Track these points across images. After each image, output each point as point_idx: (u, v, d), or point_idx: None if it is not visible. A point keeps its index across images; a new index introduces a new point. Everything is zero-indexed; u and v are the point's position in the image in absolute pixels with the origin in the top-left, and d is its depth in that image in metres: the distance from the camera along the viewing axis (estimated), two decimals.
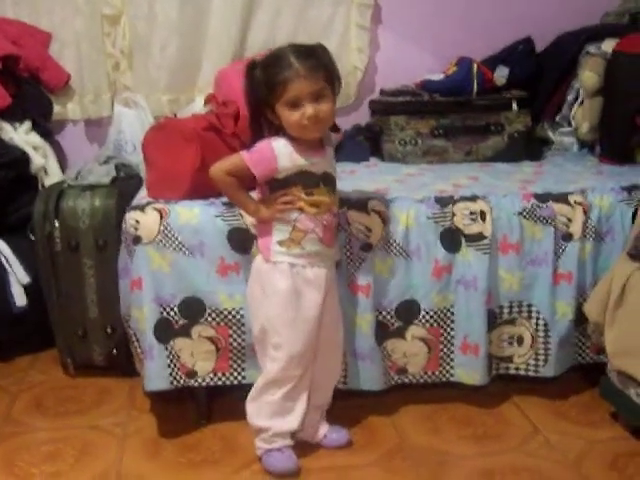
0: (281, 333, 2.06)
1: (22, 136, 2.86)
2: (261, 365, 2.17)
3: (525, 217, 2.33)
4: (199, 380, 2.29)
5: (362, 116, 3.24)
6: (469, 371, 2.36)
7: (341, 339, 2.20)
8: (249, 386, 2.17)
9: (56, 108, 3.12)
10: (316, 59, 1.94)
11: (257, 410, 2.13)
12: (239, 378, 2.30)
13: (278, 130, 2.01)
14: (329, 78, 1.96)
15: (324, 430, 2.24)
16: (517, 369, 2.41)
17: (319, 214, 2.03)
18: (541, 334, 2.36)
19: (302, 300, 2.05)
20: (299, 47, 1.96)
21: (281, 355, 2.06)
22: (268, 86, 1.93)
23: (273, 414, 2.11)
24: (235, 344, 2.28)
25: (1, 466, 2.20)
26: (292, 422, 2.13)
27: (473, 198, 2.35)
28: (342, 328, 2.20)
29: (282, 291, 2.04)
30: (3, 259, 2.71)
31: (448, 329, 2.35)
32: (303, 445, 2.20)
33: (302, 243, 2.03)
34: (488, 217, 2.30)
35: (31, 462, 2.21)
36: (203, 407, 2.40)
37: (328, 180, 2.05)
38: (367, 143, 3.04)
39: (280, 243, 2.04)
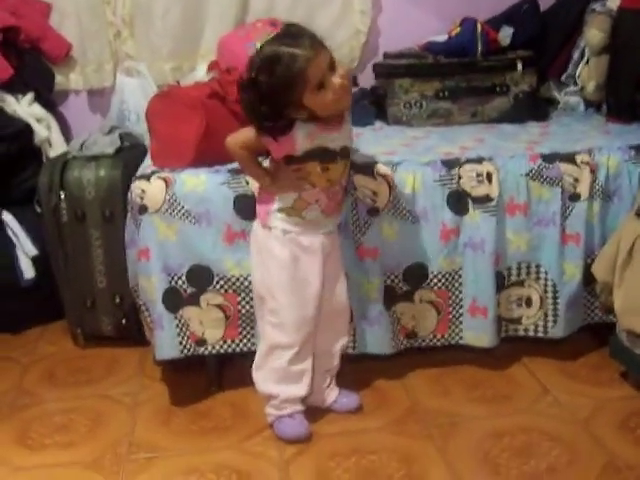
0: (278, 299, 2.06)
1: (25, 108, 2.85)
2: (259, 330, 2.18)
3: (532, 178, 2.31)
4: (209, 348, 2.30)
5: (366, 79, 3.19)
6: (478, 333, 2.36)
7: (346, 303, 2.20)
8: None
9: (58, 79, 3.10)
10: (305, 36, 1.87)
11: (263, 377, 2.14)
12: (249, 345, 2.31)
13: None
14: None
15: (334, 395, 2.25)
16: (526, 330, 2.41)
17: (330, 186, 2.03)
18: (550, 295, 2.36)
19: (299, 266, 2.05)
20: (283, 38, 1.87)
21: (278, 320, 2.07)
22: (285, 86, 1.84)
23: (280, 380, 2.11)
24: (244, 311, 2.28)
25: (15, 438, 2.22)
26: (300, 388, 2.13)
27: (479, 160, 2.33)
28: (347, 292, 2.19)
29: (279, 257, 2.04)
30: (10, 232, 2.72)
31: (457, 292, 2.35)
32: (314, 410, 2.21)
33: (303, 212, 2.03)
34: (495, 179, 2.29)
35: (44, 433, 2.24)
36: (213, 374, 2.41)
37: (344, 154, 2.03)
38: (372, 107, 3.01)
39: (280, 210, 2.03)
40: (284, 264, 2.04)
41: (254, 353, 2.21)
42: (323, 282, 2.08)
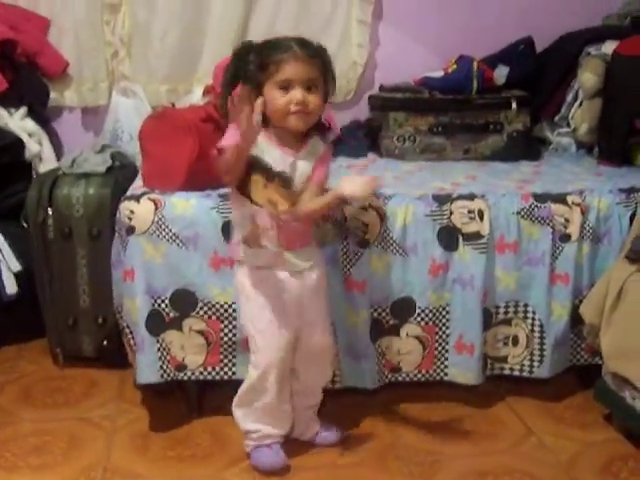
0: (256, 339, 2.03)
1: (17, 122, 2.83)
2: None
3: (523, 217, 2.31)
4: (188, 374, 2.27)
5: (361, 111, 3.22)
6: (463, 370, 2.34)
7: (330, 343, 2.15)
8: (240, 381, 2.13)
9: (53, 95, 3.09)
10: (315, 50, 1.92)
11: (243, 416, 2.11)
12: (229, 373, 2.28)
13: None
14: (324, 73, 1.93)
15: (316, 428, 2.22)
16: (512, 369, 2.40)
17: (274, 212, 1.89)
18: (537, 335, 2.35)
19: (272, 305, 2.00)
20: (301, 38, 1.93)
21: (256, 361, 2.04)
22: (261, 66, 1.88)
23: (259, 419, 2.09)
24: (226, 339, 2.25)
25: None
26: (280, 428, 2.11)
27: (471, 197, 2.33)
28: (331, 332, 2.15)
29: (251, 295, 2.00)
30: None
31: (443, 328, 2.33)
32: (294, 442, 2.18)
33: (262, 240, 1.97)
34: (486, 216, 2.28)
35: (17, 454, 2.19)
36: (193, 401, 2.38)
37: (284, 180, 1.88)
38: (365, 139, 3.02)
39: (244, 241, 1.99)
40: (258, 302, 1.99)
41: (235, 381, 2.18)
42: (304, 321, 2.05)
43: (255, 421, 2.09)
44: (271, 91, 1.89)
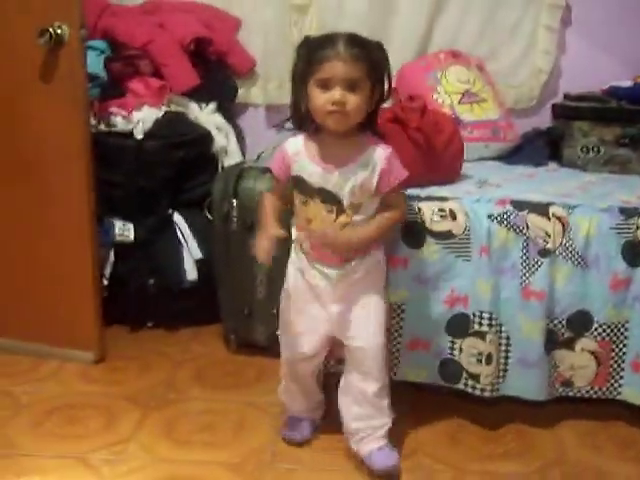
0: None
1: (207, 116, 2.94)
2: None
3: None
4: None
5: (543, 119, 3.16)
6: (638, 390, 2.25)
7: (368, 348, 2.04)
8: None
9: (240, 92, 3.21)
10: (364, 50, 1.84)
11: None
12: None
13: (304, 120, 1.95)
14: (371, 75, 1.85)
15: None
16: None
17: (308, 228, 1.98)
18: None
19: (299, 302, 2.06)
20: (353, 35, 1.86)
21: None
22: (308, 62, 1.85)
23: None
24: None
25: (163, 429, 2.29)
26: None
27: None
28: (376, 336, 2.04)
29: (286, 287, 2.08)
30: (179, 234, 2.82)
31: (620, 345, 2.25)
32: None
33: (303, 246, 2.03)
34: None
35: (190, 430, 2.29)
36: None
37: (325, 197, 1.93)
38: (546, 147, 2.96)
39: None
40: (288, 295, 2.09)
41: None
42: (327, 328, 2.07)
43: None
44: (312, 89, 1.85)
